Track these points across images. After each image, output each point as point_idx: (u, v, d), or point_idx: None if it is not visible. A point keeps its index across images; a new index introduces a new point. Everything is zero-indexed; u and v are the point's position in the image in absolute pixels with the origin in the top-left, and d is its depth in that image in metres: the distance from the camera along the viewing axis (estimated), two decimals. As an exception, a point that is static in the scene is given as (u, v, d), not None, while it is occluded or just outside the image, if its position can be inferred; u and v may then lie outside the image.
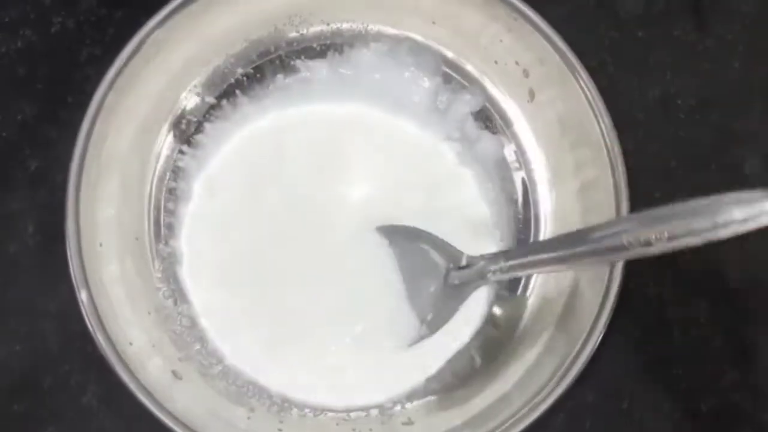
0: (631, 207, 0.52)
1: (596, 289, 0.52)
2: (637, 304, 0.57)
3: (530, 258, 0.51)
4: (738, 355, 0.57)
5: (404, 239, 0.56)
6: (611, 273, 0.51)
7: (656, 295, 0.57)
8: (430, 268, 0.55)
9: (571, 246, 0.48)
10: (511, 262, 0.52)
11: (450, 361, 0.56)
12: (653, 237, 0.44)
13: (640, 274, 0.56)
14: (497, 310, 0.57)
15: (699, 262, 0.57)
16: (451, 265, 0.55)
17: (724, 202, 0.43)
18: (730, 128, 0.59)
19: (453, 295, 0.55)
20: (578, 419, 0.56)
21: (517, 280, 0.57)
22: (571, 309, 0.54)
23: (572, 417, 0.56)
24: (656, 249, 0.45)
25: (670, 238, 0.44)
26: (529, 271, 0.54)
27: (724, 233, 0.43)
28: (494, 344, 0.56)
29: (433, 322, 0.55)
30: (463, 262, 0.55)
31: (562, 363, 0.51)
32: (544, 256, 0.50)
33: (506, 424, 0.50)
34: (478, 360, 0.56)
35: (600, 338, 0.51)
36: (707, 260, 0.58)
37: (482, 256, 0.54)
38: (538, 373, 0.52)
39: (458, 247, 0.55)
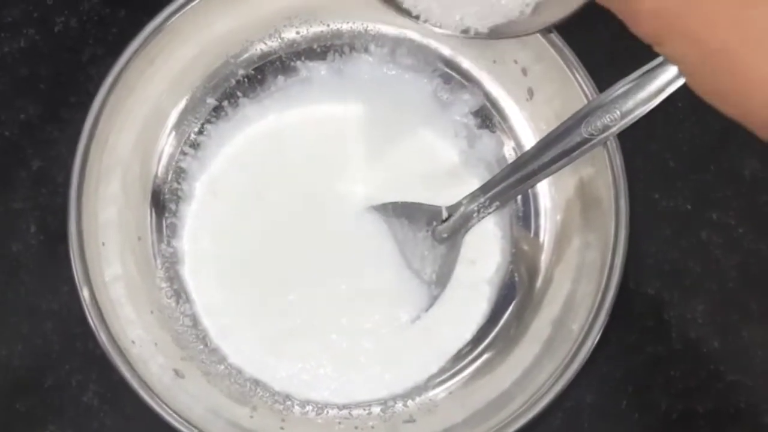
0: (631, 207, 0.52)
1: (594, 289, 0.52)
2: (635, 305, 0.57)
3: (509, 180, 0.53)
4: (736, 356, 0.57)
5: (393, 216, 0.57)
6: (609, 273, 0.51)
7: (654, 296, 0.57)
8: (419, 232, 0.57)
9: (540, 157, 0.51)
10: (490, 193, 0.54)
11: (451, 360, 0.56)
12: (608, 120, 0.49)
13: (638, 275, 0.57)
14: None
15: (697, 262, 0.58)
16: (435, 223, 0.56)
17: (659, 66, 0.47)
18: (729, 129, 0.59)
19: (447, 247, 0.57)
20: (576, 419, 0.56)
21: (510, 295, 0.57)
22: (569, 310, 0.54)
23: (570, 417, 0.56)
24: (616, 128, 0.49)
25: (624, 115, 0.49)
26: (510, 195, 0.55)
27: (669, 90, 0.47)
28: (495, 342, 0.56)
29: (439, 279, 0.57)
30: (445, 215, 0.56)
31: (561, 362, 0.51)
32: (519, 174, 0.53)
33: (506, 422, 0.50)
34: (480, 359, 0.56)
35: (598, 338, 0.51)
36: (705, 261, 0.58)
37: (460, 201, 0.56)
38: (537, 372, 0.52)
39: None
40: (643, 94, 0.48)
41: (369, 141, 0.58)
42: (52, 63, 0.59)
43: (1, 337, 0.56)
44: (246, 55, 0.59)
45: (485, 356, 0.56)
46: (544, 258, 0.57)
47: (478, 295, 0.57)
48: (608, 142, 0.51)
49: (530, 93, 0.57)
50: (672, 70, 0.47)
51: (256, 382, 0.55)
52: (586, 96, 0.53)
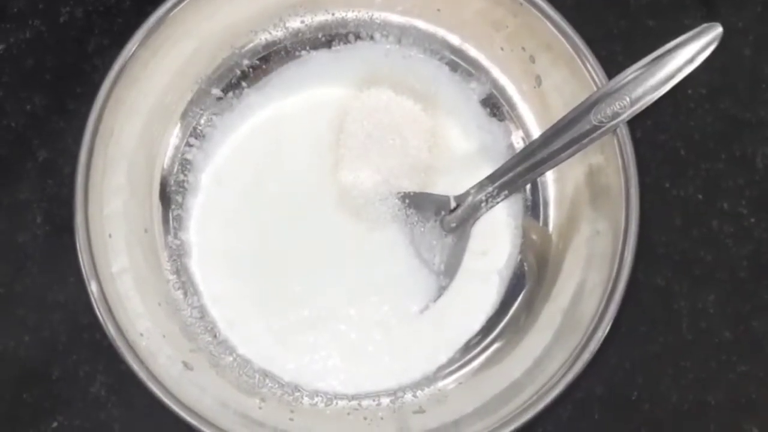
0: (641, 196, 0.52)
1: (604, 278, 0.52)
2: (646, 296, 0.57)
3: (517, 169, 0.54)
4: (747, 347, 0.56)
5: (401, 205, 0.57)
6: (620, 262, 0.51)
7: (665, 286, 0.57)
8: (427, 222, 0.57)
9: (549, 145, 0.51)
10: (498, 182, 0.55)
11: (461, 350, 0.56)
12: (618, 107, 0.49)
13: (648, 265, 0.56)
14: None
15: (708, 252, 0.57)
16: (443, 212, 0.56)
17: (668, 52, 0.48)
18: (740, 117, 0.59)
19: (456, 237, 0.57)
20: (587, 410, 0.56)
21: (518, 288, 0.57)
22: (579, 300, 0.53)
23: (581, 408, 0.56)
24: (625, 116, 0.49)
25: (633, 102, 0.49)
26: (519, 184, 0.55)
27: (679, 77, 0.48)
28: (505, 332, 0.56)
29: (448, 270, 0.57)
30: (453, 205, 0.56)
31: (571, 353, 0.51)
32: (528, 162, 0.53)
33: (516, 412, 0.50)
34: (489, 349, 0.56)
35: (608, 329, 0.51)
36: (716, 250, 0.57)
37: (468, 191, 0.56)
38: (547, 362, 0.52)
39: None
40: (652, 80, 0.48)
41: (376, 129, 0.58)
42: (57, 54, 0.59)
43: (9, 328, 0.56)
44: (251, 45, 0.59)
45: (495, 346, 0.56)
46: (553, 247, 0.57)
47: (487, 285, 0.57)
48: (618, 130, 0.51)
49: (538, 81, 0.57)
50: (682, 56, 0.46)
51: (265, 374, 0.55)
52: (595, 83, 0.53)
